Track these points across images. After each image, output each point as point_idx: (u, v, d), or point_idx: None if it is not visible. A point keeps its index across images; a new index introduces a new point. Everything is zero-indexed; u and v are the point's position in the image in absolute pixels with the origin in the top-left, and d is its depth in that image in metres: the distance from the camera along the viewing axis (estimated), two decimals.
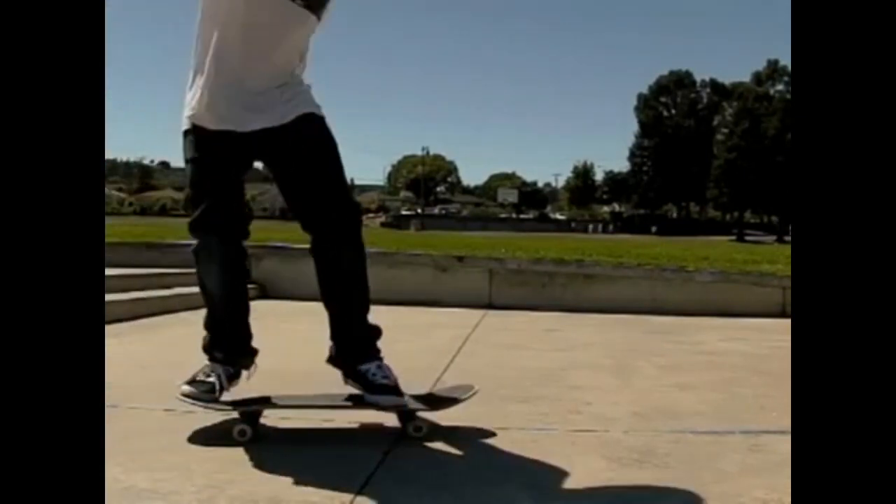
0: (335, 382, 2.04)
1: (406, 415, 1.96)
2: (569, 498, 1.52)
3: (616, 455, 1.82)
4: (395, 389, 1.97)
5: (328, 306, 2.06)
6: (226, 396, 1.97)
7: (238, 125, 1.97)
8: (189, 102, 2.03)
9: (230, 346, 2.05)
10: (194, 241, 2.05)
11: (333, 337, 2.06)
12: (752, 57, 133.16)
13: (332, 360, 2.05)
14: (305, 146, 1.99)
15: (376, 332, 2.06)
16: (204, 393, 1.92)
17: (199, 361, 2.03)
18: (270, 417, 2.09)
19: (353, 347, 2.03)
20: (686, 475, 1.68)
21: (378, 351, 2.04)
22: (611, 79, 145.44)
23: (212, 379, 1.96)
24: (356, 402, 2.00)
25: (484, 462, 1.75)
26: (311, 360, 2.21)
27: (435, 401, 2.07)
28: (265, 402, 1.99)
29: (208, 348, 2.06)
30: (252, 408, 1.91)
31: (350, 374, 2.02)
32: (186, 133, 2.05)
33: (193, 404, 1.92)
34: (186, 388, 1.94)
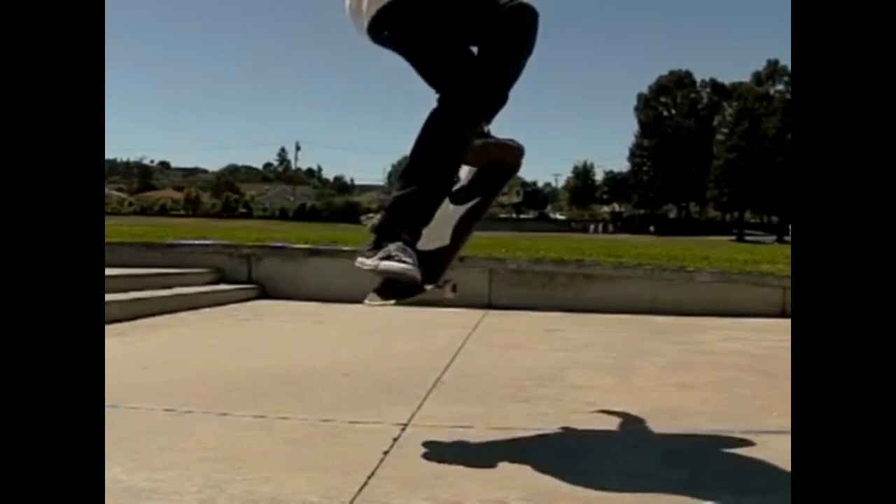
0: (334, 381, 2.04)
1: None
2: (569, 498, 1.52)
3: (616, 455, 1.82)
4: None
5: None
6: None
7: None
8: None
9: (412, 226, 2.00)
10: (458, 94, 2.00)
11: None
12: (752, 57, 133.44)
13: None
14: None
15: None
16: (410, 264, 1.89)
17: (198, 361, 2.02)
18: (269, 417, 2.09)
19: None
20: (686, 475, 1.68)
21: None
22: (610, 79, 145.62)
23: (408, 258, 1.91)
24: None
25: (484, 462, 1.74)
26: (311, 360, 2.21)
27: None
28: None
29: (393, 214, 2.01)
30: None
31: None
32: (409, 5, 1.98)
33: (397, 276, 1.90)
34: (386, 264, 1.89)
